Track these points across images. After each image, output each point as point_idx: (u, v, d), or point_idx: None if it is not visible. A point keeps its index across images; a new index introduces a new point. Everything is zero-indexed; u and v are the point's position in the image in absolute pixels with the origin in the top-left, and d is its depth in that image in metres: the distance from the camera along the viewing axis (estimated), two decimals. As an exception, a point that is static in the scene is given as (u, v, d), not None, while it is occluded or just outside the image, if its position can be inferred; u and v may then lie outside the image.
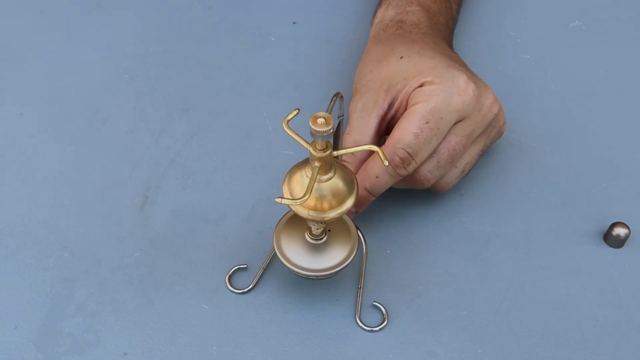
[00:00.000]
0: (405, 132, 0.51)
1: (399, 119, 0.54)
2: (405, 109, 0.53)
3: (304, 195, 0.43)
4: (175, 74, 0.66)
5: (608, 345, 0.52)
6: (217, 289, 0.54)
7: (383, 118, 0.55)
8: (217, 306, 0.53)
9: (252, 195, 0.59)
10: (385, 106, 0.54)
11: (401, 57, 0.55)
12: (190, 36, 0.69)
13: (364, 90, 0.56)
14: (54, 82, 0.66)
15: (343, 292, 0.54)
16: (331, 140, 0.44)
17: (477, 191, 0.59)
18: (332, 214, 0.46)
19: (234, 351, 0.52)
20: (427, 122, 0.51)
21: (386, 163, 0.44)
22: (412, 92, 0.53)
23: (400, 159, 0.51)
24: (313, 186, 0.44)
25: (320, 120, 0.43)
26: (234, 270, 0.55)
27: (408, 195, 0.57)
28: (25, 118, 0.63)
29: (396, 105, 0.54)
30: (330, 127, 0.43)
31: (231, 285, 0.54)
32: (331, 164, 0.46)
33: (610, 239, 0.56)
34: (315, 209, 0.46)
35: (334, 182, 0.46)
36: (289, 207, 0.47)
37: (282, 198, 0.44)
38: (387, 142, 0.52)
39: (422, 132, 0.51)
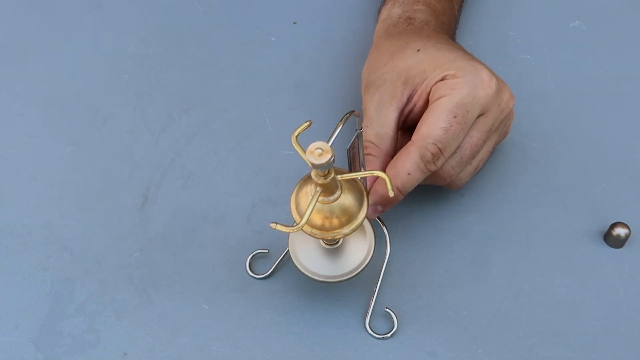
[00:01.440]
0: (433, 127, 0.50)
1: (416, 112, 0.53)
2: (425, 103, 0.53)
3: (298, 223, 0.42)
4: (175, 74, 0.66)
5: (608, 345, 0.52)
6: (217, 289, 0.54)
7: (402, 111, 0.54)
8: (217, 306, 0.53)
9: (252, 195, 0.59)
10: (404, 99, 0.53)
11: (418, 50, 0.55)
12: (190, 36, 0.69)
13: (379, 82, 0.55)
14: (54, 82, 0.66)
15: (343, 293, 0.54)
16: (332, 167, 0.42)
17: (477, 191, 0.59)
18: (345, 231, 0.45)
19: (234, 351, 0.52)
20: (455, 117, 0.50)
21: (391, 194, 0.43)
22: (433, 86, 0.52)
23: (432, 154, 0.50)
24: (310, 212, 0.42)
25: (318, 151, 0.40)
26: (254, 254, 0.55)
27: (408, 195, 0.57)
28: (25, 118, 0.63)
29: (415, 98, 0.53)
30: (329, 157, 0.40)
31: (252, 271, 0.54)
32: (336, 185, 0.44)
33: (610, 239, 0.56)
34: (323, 229, 0.45)
35: (342, 200, 0.44)
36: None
37: (276, 224, 0.42)
38: (414, 138, 0.51)
39: (451, 126, 0.50)
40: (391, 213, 0.57)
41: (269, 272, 0.54)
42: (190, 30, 0.70)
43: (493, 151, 0.57)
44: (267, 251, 0.55)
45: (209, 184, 0.60)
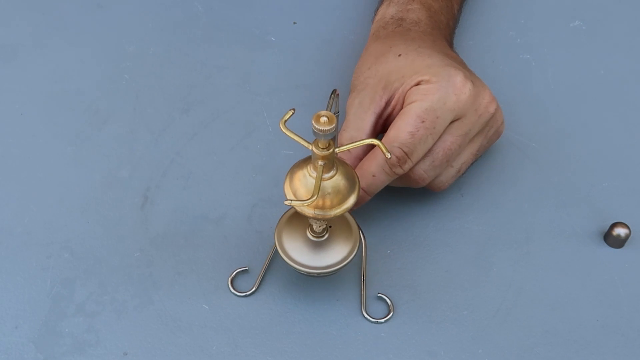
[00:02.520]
0: (400, 131, 0.51)
1: (395, 117, 0.54)
2: (402, 107, 0.53)
3: (312, 196, 0.43)
4: (175, 74, 0.66)
5: (608, 345, 0.52)
6: (217, 289, 0.54)
7: (380, 115, 0.54)
8: (217, 306, 0.53)
9: (252, 195, 0.59)
10: (382, 103, 0.54)
11: (399, 55, 0.55)
12: (190, 36, 0.69)
13: (362, 86, 0.56)
14: (54, 82, 0.66)
15: (343, 292, 0.54)
16: (333, 139, 0.44)
17: (477, 191, 0.59)
18: (335, 212, 0.46)
19: (234, 351, 0.52)
20: (422, 121, 0.51)
21: (388, 155, 0.44)
22: (408, 91, 0.53)
23: (397, 157, 0.51)
24: (320, 185, 0.44)
25: (323, 119, 0.42)
26: (236, 273, 0.55)
27: (408, 195, 0.57)
28: (26, 118, 0.63)
29: (393, 103, 0.54)
30: (333, 125, 0.42)
31: (233, 288, 0.54)
32: (333, 162, 0.45)
33: (610, 239, 0.56)
34: (318, 207, 0.46)
35: (337, 179, 0.46)
36: (294, 208, 0.47)
37: (291, 200, 0.44)
38: (382, 141, 0.52)
39: (418, 131, 0.51)
40: (391, 212, 0.57)
41: (254, 289, 0.54)
42: (190, 30, 0.70)
43: (481, 153, 0.57)
44: (247, 268, 0.55)
45: (209, 184, 0.60)
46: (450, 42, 0.62)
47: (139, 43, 0.68)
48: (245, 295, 0.54)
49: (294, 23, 0.70)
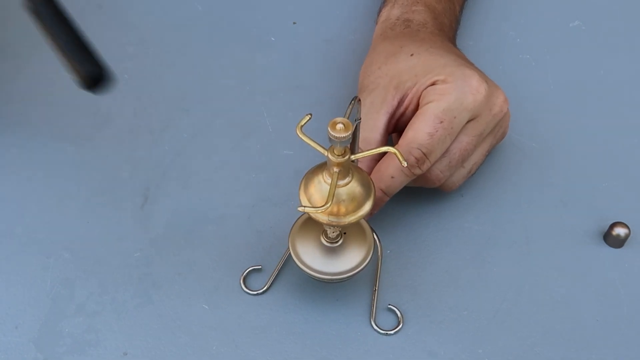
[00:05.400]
0: (419, 132, 0.51)
1: (408, 116, 0.53)
2: (416, 107, 0.53)
3: (326, 203, 0.43)
4: (175, 74, 0.66)
5: (608, 345, 0.52)
6: (217, 289, 0.54)
7: (392, 115, 0.54)
8: (217, 306, 0.53)
9: (252, 195, 0.59)
10: (395, 103, 0.54)
11: (411, 55, 0.55)
12: (190, 36, 0.69)
13: (373, 86, 0.55)
14: (54, 82, 0.66)
15: (343, 293, 0.54)
16: (349, 145, 0.44)
17: (477, 191, 0.59)
18: (350, 219, 0.46)
19: (234, 351, 0.52)
20: (441, 122, 0.51)
21: (405, 164, 0.44)
22: (423, 91, 0.53)
23: (416, 158, 0.51)
24: (334, 193, 0.43)
25: (339, 126, 0.42)
26: (248, 271, 0.54)
27: (408, 195, 0.57)
28: (26, 118, 0.63)
29: (406, 102, 0.54)
30: (349, 132, 0.42)
31: (246, 286, 0.54)
32: (349, 169, 0.45)
33: (610, 239, 0.56)
34: (333, 214, 0.46)
35: (352, 186, 0.46)
36: (308, 213, 0.47)
37: (304, 207, 0.44)
38: (400, 142, 0.52)
39: (437, 131, 0.51)
40: (391, 212, 0.57)
41: (265, 287, 0.54)
42: (190, 30, 0.70)
43: (489, 154, 0.57)
44: (260, 267, 0.55)
45: (209, 184, 0.60)
46: (453, 44, 0.62)
47: (139, 43, 0.68)
48: (257, 294, 0.54)
49: (294, 23, 0.70)
